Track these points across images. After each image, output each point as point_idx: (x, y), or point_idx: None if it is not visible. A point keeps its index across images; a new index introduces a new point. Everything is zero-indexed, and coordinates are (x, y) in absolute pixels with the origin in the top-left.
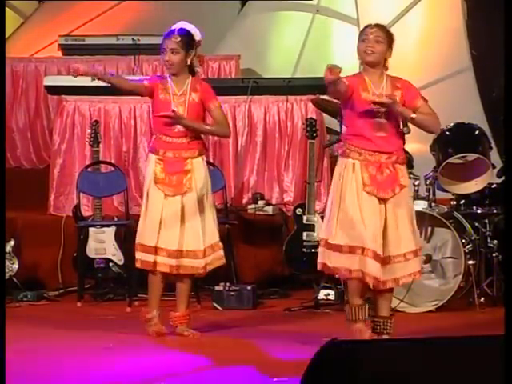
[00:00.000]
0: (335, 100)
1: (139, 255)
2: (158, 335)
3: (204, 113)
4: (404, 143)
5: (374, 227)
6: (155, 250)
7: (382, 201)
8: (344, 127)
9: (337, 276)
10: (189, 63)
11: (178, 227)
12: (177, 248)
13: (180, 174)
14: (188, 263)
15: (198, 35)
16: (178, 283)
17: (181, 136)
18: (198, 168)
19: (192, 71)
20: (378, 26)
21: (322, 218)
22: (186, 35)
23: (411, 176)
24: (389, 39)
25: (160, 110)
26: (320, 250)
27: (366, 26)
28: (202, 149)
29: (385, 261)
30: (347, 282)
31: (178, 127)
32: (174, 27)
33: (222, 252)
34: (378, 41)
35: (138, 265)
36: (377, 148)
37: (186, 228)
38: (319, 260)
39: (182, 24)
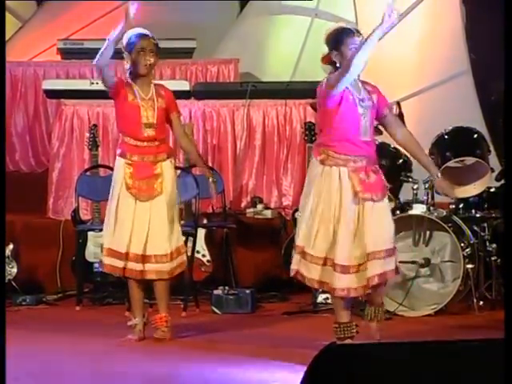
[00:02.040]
0: None
1: (108, 260)
2: (139, 340)
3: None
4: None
5: (348, 238)
6: (126, 256)
7: (362, 200)
8: (322, 132)
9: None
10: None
11: (146, 232)
12: (142, 253)
13: (150, 178)
14: (153, 268)
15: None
16: (154, 287)
17: (150, 140)
18: (167, 171)
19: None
20: (360, 33)
21: None
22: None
23: (410, 180)
24: None
25: (129, 113)
26: (296, 257)
27: (349, 34)
28: (170, 152)
29: (367, 257)
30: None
31: (148, 131)
32: (137, 31)
33: (185, 257)
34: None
35: (105, 269)
36: (362, 153)
37: (154, 232)
38: (293, 267)
39: (142, 30)
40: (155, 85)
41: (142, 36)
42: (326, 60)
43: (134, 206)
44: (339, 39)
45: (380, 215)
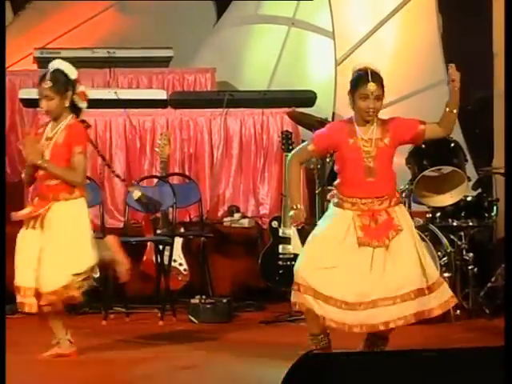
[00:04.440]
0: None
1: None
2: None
3: (69, 154)
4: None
5: (351, 275)
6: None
7: (377, 247)
8: (337, 175)
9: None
10: (67, 105)
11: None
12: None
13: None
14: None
15: (73, 73)
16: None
17: (46, 178)
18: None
19: (76, 110)
20: (376, 80)
21: (298, 230)
22: (59, 77)
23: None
24: (384, 89)
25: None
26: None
27: (365, 81)
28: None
29: (375, 303)
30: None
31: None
32: (47, 69)
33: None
34: (378, 98)
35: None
36: (367, 194)
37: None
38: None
39: (57, 63)
40: (70, 121)
41: (38, 81)
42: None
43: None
44: (354, 84)
45: (399, 261)
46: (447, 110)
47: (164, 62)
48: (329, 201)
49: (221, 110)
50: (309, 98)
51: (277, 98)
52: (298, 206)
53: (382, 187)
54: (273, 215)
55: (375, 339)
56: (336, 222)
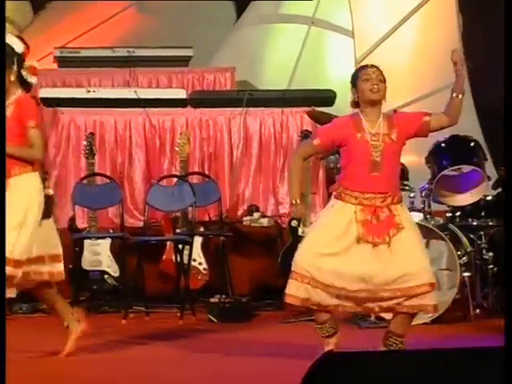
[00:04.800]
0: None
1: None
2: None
3: (22, 130)
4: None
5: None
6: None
7: (378, 244)
8: (341, 168)
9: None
10: (13, 79)
11: None
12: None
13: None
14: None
15: (19, 47)
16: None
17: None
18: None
19: (26, 85)
20: (375, 66)
21: None
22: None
23: (407, 188)
24: (385, 80)
25: None
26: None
27: (364, 67)
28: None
29: (375, 292)
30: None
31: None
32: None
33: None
34: (381, 80)
35: None
36: (371, 189)
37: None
38: (289, 292)
39: (6, 37)
40: (20, 95)
41: None
42: (351, 104)
43: None
44: (354, 75)
45: (402, 256)
46: (453, 95)
47: (184, 61)
48: None
49: (240, 109)
50: (328, 97)
51: (296, 97)
52: (297, 201)
53: (386, 183)
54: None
55: (394, 337)
56: (336, 213)
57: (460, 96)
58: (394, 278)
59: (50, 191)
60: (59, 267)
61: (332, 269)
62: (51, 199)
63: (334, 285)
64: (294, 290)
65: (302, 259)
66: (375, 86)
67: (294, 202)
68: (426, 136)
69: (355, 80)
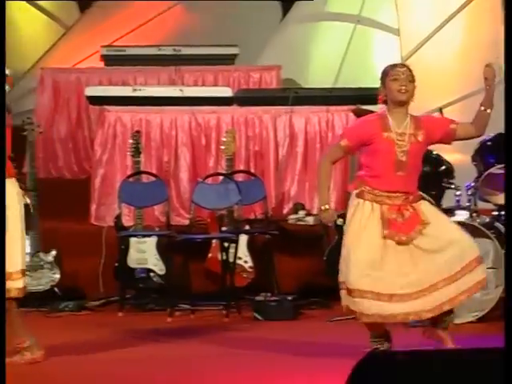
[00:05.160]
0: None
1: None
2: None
3: None
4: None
5: (391, 270)
6: None
7: (403, 242)
8: (360, 166)
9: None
10: None
11: None
12: None
13: None
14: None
15: None
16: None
17: None
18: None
19: None
20: (404, 65)
21: None
22: None
23: (452, 186)
24: (415, 78)
25: None
26: (342, 292)
27: (393, 66)
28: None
29: (425, 291)
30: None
31: None
32: None
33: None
34: (410, 80)
35: None
36: (395, 188)
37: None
38: (343, 303)
39: None
40: None
41: None
42: (380, 99)
43: None
44: (384, 72)
45: (434, 250)
46: (481, 108)
47: (230, 59)
48: None
49: (286, 107)
50: (374, 96)
51: (342, 95)
52: (327, 206)
53: (409, 183)
54: (338, 212)
55: (445, 315)
56: (359, 214)
57: (488, 110)
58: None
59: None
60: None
61: (377, 278)
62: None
63: (382, 292)
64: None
65: (356, 279)
66: (403, 87)
67: (323, 208)
68: (450, 143)
69: (384, 78)
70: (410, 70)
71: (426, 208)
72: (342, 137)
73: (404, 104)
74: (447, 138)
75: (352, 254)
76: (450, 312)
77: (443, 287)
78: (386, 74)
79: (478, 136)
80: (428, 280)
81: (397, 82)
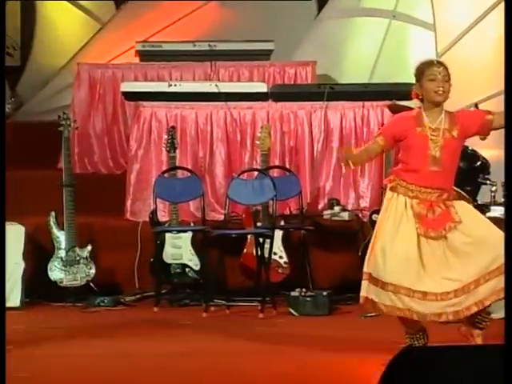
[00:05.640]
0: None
1: None
2: None
3: None
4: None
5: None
6: None
7: (433, 238)
8: (395, 161)
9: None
10: None
11: None
12: None
13: None
14: None
15: None
16: None
17: None
18: None
19: None
20: (441, 63)
21: None
22: None
23: (488, 182)
24: (450, 75)
25: None
26: (364, 283)
27: (430, 64)
28: None
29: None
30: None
31: None
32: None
33: None
34: (446, 80)
35: None
36: (429, 183)
37: None
38: (362, 293)
39: None
40: None
41: None
42: (414, 95)
43: None
44: (419, 70)
45: (462, 249)
46: None
47: (265, 54)
48: None
49: (321, 102)
50: (409, 91)
51: (377, 90)
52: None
53: (444, 179)
54: (373, 208)
55: (482, 316)
56: (393, 208)
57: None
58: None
59: None
60: None
61: (409, 272)
62: None
63: (414, 288)
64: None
65: (392, 273)
66: (440, 88)
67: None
68: (488, 134)
69: (420, 76)
70: (447, 69)
71: (460, 208)
72: (380, 134)
73: (440, 104)
74: (484, 130)
75: (388, 248)
76: (485, 311)
77: (474, 289)
78: (421, 72)
79: None
80: (460, 281)
81: (434, 83)
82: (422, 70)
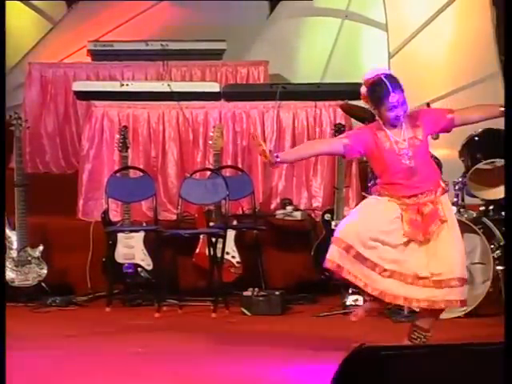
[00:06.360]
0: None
1: None
2: None
3: None
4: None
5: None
6: None
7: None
8: (377, 177)
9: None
10: None
11: None
12: None
13: None
14: None
15: None
16: None
17: None
18: None
19: None
20: (396, 87)
21: None
22: None
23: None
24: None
25: None
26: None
27: (386, 92)
28: None
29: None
30: None
31: None
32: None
33: None
34: (404, 103)
35: None
36: (413, 192)
37: None
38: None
39: None
40: None
41: None
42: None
43: None
44: (375, 97)
45: (441, 248)
46: (500, 108)
47: (217, 54)
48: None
49: (274, 102)
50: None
51: (330, 90)
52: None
53: (426, 182)
54: (325, 208)
55: (419, 332)
56: (382, 205)
57: (502, 109)
58: (425, 269)
59: None
60: None
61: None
62: None
63: (371, 259)
64: (335, 256)
65: (347, 231)
66: (401, 117)
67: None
68: (449, 131)
69: (376, 103)
70: (401, 87)
71: (446, 204)
72: (345, 136)
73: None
74: (446, 129)
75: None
76: (423, 328)
77: (426, 287)
78: (379, 98)
79: (477, 122)
80: (418, 270)
81: (394, 113)
82: (379, 98)
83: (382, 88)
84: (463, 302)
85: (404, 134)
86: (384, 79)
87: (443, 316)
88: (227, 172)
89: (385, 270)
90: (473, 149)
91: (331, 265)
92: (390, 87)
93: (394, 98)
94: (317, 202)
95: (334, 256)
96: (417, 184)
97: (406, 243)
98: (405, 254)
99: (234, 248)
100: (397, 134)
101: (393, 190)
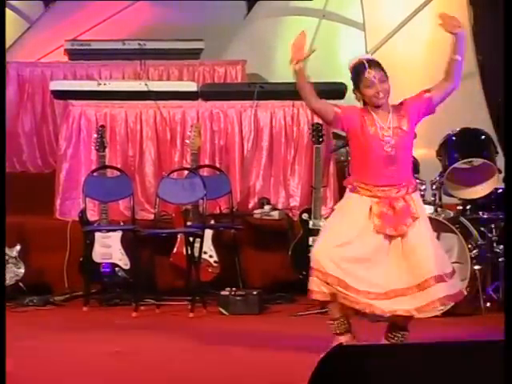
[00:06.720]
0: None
1: None
2: None
3: None
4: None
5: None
6: None
7: (394, 236)
8: (353, 164)
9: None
10: None
11: None
12: None
13: None
14: None
15: None
16: None
17: None
18: None
19: None
20: (374, 64)
21: None
22: None
23: (417, 181)
24: (386, 72)
25: None
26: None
27: (362, 68)
28: None
29: (403, 292)
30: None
31: None
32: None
33: None
34: (383, 81)
35: None
36: (387, 182)
37: None
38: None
39: None
40: None
41: None
42: (358, 98)
43: None
44: (354, 75)
45: (414, 248)
46: (451, 57)
47: (195, 53)
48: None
49: (251, 101)
50: (339, 90)
51: None
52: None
53: (401, 175)
54: (303, 207)
55: (396, 331)
56: (353, 207)
57: (457, 57)
58: (405, 275)
59: None
60: None
61: (356, 272)
62: None
63: (356, 287)
64: (316, 286)
65: (319, 254)
66: (380, 93)
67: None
68: (434, 111)
69: (357, 81)
70: (381, 68)
71: (417, 201)
72: (339, 107)
73: (382, 105)
74: (429, 110)
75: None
76: (406, 330)
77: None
78: (358, 79)
79: (455, 88)
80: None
81: (372, 89)
82: (358, 76)
83: (359, 66)
84: (447, 299)
85: (390, 122)
86: (361, 58)
87: (420, 315)
88: (205, 171)
89: (369, 293)
90: (450, 148)
91: (320, 296)
92: (365, 64)
93: (370, 73)
94: (294, 202)
95: (316, 286)
96: (392, 174)
97: (379, 249)
98: (381, 270)
99: (212, 247)
100: (383, 120)
101: (366, 177)
